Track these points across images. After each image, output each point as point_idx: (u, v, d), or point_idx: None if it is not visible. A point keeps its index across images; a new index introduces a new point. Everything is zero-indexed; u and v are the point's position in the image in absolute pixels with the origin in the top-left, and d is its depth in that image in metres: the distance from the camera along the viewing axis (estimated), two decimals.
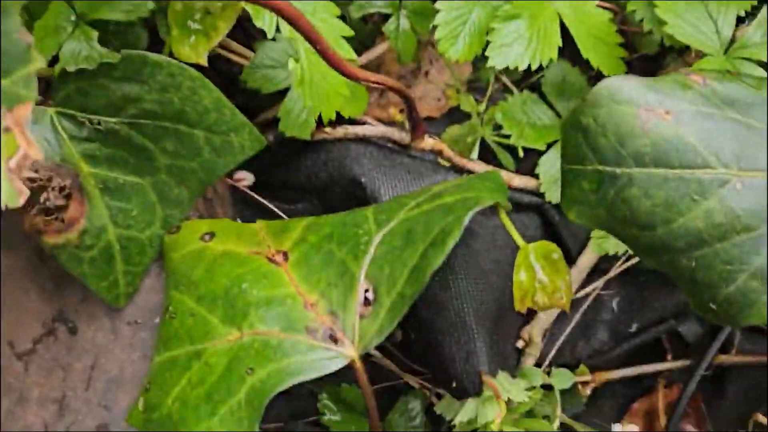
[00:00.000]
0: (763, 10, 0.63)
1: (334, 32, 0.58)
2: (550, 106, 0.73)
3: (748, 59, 0.61)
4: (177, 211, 0.51)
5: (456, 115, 0.76)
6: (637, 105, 0.42)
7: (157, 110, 0.49)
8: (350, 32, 0.59)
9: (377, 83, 0.55)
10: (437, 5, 0.63)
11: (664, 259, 0.42)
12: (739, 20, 0.70)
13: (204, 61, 0.53)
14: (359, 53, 0.75)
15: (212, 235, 0.51)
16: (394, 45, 0.69)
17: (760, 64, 0.61)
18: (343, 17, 0.59)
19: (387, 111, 0.78)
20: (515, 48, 0.61)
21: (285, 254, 0.50)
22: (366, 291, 0.46)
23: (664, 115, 0.42)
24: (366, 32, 0.75)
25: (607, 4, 0.73)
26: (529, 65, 0.63)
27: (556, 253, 0.51)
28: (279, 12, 0.44)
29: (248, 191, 0.71)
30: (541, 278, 0.50)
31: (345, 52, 0.58)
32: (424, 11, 0.68)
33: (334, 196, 0.69)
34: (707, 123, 0.42)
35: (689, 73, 0.47)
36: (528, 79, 0.76)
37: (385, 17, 0.70)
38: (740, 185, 0.41)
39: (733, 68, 0.60)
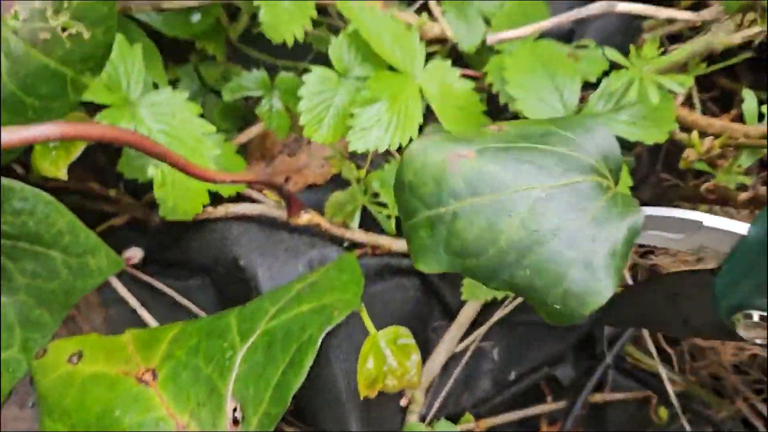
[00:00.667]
0: (605, 81, 0.68)
1: (196, 131, 0.61)
2: None
3: None
4: (38, 335, 0.53)
5: (340, 181, 0.80)
6: (446, 152, 0.46)
7: (13, 232, 0.50)
8: (212, 128, 0.62)
9: (236, 181, 0.58)
10: (300, 92, 0.66)
11: (504, 278, 0.45)
12: (590, 85, 0.75)
13: (64, 176, 0.55)
14: (242, 128, 0.79)
15: (80, 355, 0.52)
16: (268, 125, 0.72)
17: None
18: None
19: (272, 178, 0.81)
20: (374, 132, 0.65)
21: (154, 372, 0.51)
22: (234, 410, 0.49)
23: (469, 153, 0.46)
24: (246, 108, 0.78)
25: (471, 72, 0.77)
26: None
27: (405, 338, 0.55)
28: (117, 141, 0.46)
29: (136, 272, 0.73)
30: (391, 363, 0.54)
31: (207, 148, 0.61)
32: (296, 90, 0.71)
33: (219, 276, 0.72)
34: (507, 152, 0.46)
35: (488, 125, 0.51)
36: None
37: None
38: (543, 194, 0.45)
39: None
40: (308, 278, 0.62)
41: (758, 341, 0.45)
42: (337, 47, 0.68)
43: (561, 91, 0.67)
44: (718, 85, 0.80)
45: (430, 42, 0.77)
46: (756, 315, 0.44)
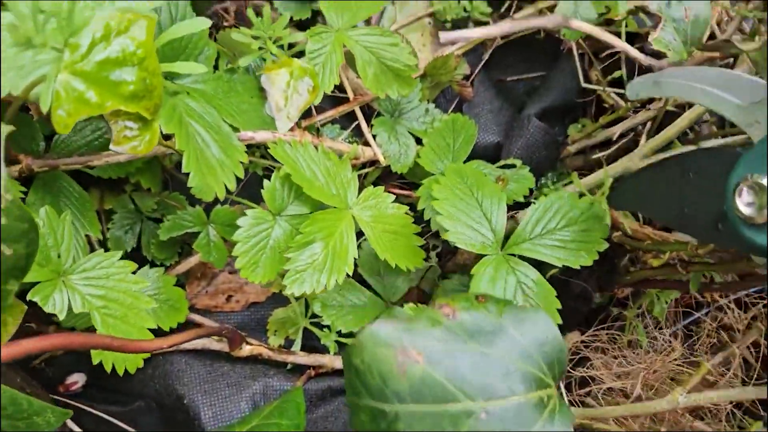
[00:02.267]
0: (532, 209, 0.71)
1: (130, 289, 0.62)
2: (368, 286, 0.79)
3: (522, 257, 0.68)
4: None
5: (281, 298, 0.81)
6: (395, 347, 0.47)
7: None
8: (145, 283, 0.63)
9: (172, 345, 0.59)
10: (235, 236, 0.68)
11: None
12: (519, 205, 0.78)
13: None
14: (181, 254, 0.79)
15: None
16: (206, 258, 0.73)
17: (531, 261, 0.68)
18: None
19: (216, 299, 0.82)
20: (309, 274, 0.66)
21: None
22: None
23: (417, 356, 0.47)
24: (184, 236, 0.78)
25: (405, 192, 0.80)
26: None
27: None
28: (47, 349, 0.47)
29: (75, 403, 0.74)
30: None
31: (143, 303, 0.62)
32: (232, 222, 0.72)
33: (165, 409, 0.72)
34: (454, 360, 0.48)
35: (442, 306, 0.53)
36: None
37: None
38: (485, 415, 0.47)
39: (509, 269, 0.67)
40: (250, 422, 0.64)
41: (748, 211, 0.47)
42: (271, 188, 0.69)
43: (489, 217, 0.70)
44: None
45: (364, 165, 0.79)
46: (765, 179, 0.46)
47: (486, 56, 0.86)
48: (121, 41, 0.49)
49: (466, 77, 0.84)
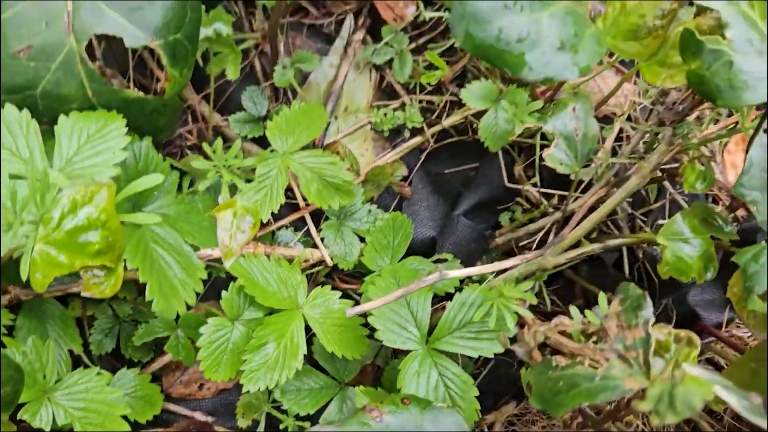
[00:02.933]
0: (450, 306, 0.80)
1: (107, 398, 0.72)
2: (323, 371, 0.89)
3: (445, 353, 0.78)
4: None
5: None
6: None
7: None
8: (125, 409, 0.72)
9: None
10: (199, 342, 0.78)
11: None
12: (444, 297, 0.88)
13: None
14: (156, 351, 0.90)
15: None
16: (176, 357, 0.83)
17: (453, 356, 0.78)
18: None
19: (189, 387, 0.92)
20: (264, 372, 0.77)
21: None
22: None
23: None
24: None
25: (353, 286, 0.90)
26: None
27: None
28: None
29: None
30: None
31: (118, 410, 0.72)
32: (198, 325, 0.83)
33: None
34: None
35: (371, 409, 0.64)
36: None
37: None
38: None
39: (432, 364, 0.77)
40: None
41: None
42: (228, 298, 0.80)
43: (416, 315, 0.80)
44: (563, 276, 0.94)
45: (314, 265, 0.89)
46: None
47: (422, 157, 0.97)
48: (86, 210, 0.60)
49: (405, 178, 0.95)
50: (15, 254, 0.62)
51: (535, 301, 0.80)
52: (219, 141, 0.81)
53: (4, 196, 0.57)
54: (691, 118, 0.83)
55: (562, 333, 0.70)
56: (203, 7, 0.82)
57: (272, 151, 0.83)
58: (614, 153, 0.93)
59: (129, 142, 0.71)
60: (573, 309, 0.79)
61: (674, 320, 0.96)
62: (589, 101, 0.80)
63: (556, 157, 0.78)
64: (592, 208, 0.85)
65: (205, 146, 0.81)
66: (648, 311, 0.53)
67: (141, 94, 0.71)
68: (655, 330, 0.59)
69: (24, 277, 0.57)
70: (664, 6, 0.69)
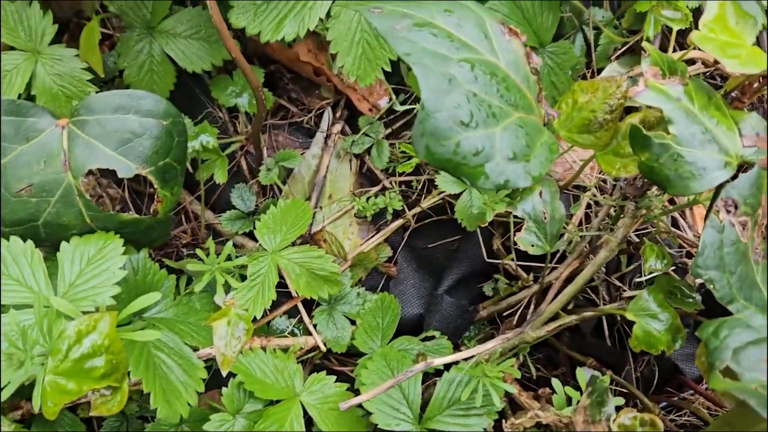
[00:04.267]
0: (442, 381, 0.85)
1: None
2: None
3: (437, 431, 0.82)
4: None
5: None
6: None
7: None
8: None
9: None
10: None
11: None
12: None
13: None
14: None
15: None
16: None
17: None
18: None
19: None
20: None
21: None
22: None
23: None
24: None
25: (348, 368, 0.94)
26: None
27: None
28: None
29: None
30: None
31: None
32: (203, 419, 0.87)
33: None
34: None
35: None
36: None
37: None
38: None
39: None
40: None
41: None
42: (228, 394, 0.84)
43: (407, 396, 0.84)
44: (547, 342, 0.99)
45: (309, 350, 0.94)
46: None
47: (406, 236, 1.02)
48: (91, 338, 0.65)
49: (390, 258, 1.00)
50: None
51: (518, 375, 0.85)
52: (211, 244, 0.86)
53: (14, 333, 0.62)
54: (652, 191, 0.88)
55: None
56: (189, 121, 0.89)
57: (262, 249, 0.88)
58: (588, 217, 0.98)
59: (127, 257, 0.77)
60: (555, 382, 0.84)
61: (657, 374, 1.00)
62: (554, 185, 0.85)
63: (527, 240, 0.83)
64: (569, 279, 0.90)
65: (198, 252, 0.86)
66: (610, 407, 0.58)
67: (136, 215, 0.77)
68: (622, 415, 0.63)
69: (36, 409, 0.62)
70: (611, 102, 0.75)
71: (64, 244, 0.75)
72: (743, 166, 0.73)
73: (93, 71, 0.82)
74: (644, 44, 0.78)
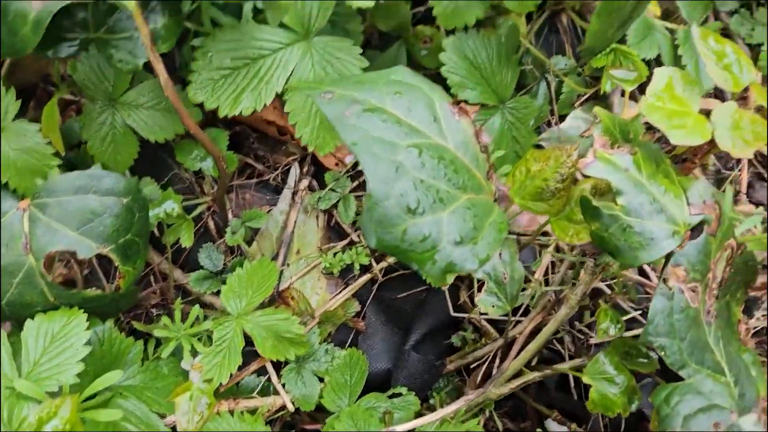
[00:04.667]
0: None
1: None
2: None
3: None
4: None
5: None
6: None
7: None
8: None
9: None
10: None
11: None
12: None
13: None
14: None
15: None
16: None
17: None
18: None
19: None
20: None
21: None
22: None
23: None
24: None
25: (317, 425, 0.95)
26: None
27: None
28: None
29: None
30: None
31: None
32: None
33: None
34: None
35: None
36: None
37: None
38: None
39: None
40: None
41: None
42: None
43: None
44: (514, 395, 1.00)
45: (278, 410, 0.95)
46: None
47: (374, 289, 1.03)
48: (52, 423, 0.66)
49: (358, 313, 1.02)
50: None
51: None
52: (178, 306, 0.88)
53: None
54: None
55: None
56: (155, 186, 0.90)
57: (227, 313, 0.90)
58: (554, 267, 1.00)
59: (92, 331, 0.78)
60: None
61: (623, 424, 1.02)
62: (513, 245, 0.87)
63: (488, 301, 0.84)
64: (534, 332, 0.91)
65: (164, 319, 0.87)
66: None
67: (98, 292, 0.78)
68: None
69: None
70: (562, 171, 0.76)
71: (28, 321, 0.76)
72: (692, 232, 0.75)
73: None
74: (596, 110, 0.80)
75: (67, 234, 0.74)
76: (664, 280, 0.74)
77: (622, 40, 1.04)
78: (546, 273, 0.99)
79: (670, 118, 0.75)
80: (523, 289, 0.96)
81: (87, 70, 0.83)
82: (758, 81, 0.77)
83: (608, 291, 1.03)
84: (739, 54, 0.77)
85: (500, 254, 0.86)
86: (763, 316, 1.05)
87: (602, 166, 0.73)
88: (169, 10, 0.72)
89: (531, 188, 0.78)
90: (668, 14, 1.19)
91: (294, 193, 1.03)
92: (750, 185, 1.21)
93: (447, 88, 0.92)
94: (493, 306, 0.84)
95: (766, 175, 1.21)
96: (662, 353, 0.73)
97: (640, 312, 1.07)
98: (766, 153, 1.16)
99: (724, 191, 0.79)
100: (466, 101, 0.92)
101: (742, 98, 0.76)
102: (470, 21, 0.87)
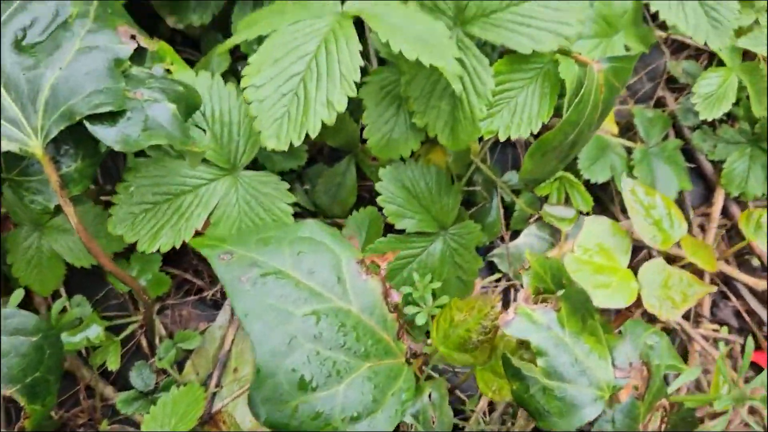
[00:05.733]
0: None
1: None
2: None
3: None
4: None
5: None
6: None
7: None
8: None
9: None
10: None
11: None
12: None
13: None
14: None
15: None
16: None
17: None
18: None
19: None
20: None
21: None
22: None
23: None
24: None
25: None
26: None
27: None
28: None
29: None
30: None
31: None
32: None
33: None
34: None
35: None
36: None
37: None
38: None
39: None
40: None
41: None
42: None
43: None
44: None
45: None
46: None
47: None
48: None
49: None
50: None
51: None
52: (105, 427, 0.85)
53: None
54: None
55: None
56: (86, 300, 0.88)
57: None
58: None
59: None
60: None
61: None
62: (443, 386, 0.83)
63: None
64: None
65: None
66: None
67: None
68: None
69: None
70: (485, 323, 0.73)
71: None
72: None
73: None
74: (527, 254, 0.77)
75: None
76: None
77: (573, 162, 1.02)
78: (485, 414, 0.95)
79: (596, 274, 0.72)
80: (462, 428, 0.92)
81: (12, 199, 0.82)
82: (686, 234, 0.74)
83: None
84: (669, 207, 0.74)
85: (429, 395, 0.82)
86: None
87: (523, 324, 0.70)
88: (84, 153, 0.71)
89: (455, 338, 0.75)
90: (629, 128, 1.17)
91: (233, 309, 1.01)
92: (714, 304, 1.17)
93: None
94: None
95: (729, 293, 1.17)
96: None
97: None
98: (726, 272, 1.12)
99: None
100: (403, 230, 0.90)
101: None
102: (405, 153, 0.85)
